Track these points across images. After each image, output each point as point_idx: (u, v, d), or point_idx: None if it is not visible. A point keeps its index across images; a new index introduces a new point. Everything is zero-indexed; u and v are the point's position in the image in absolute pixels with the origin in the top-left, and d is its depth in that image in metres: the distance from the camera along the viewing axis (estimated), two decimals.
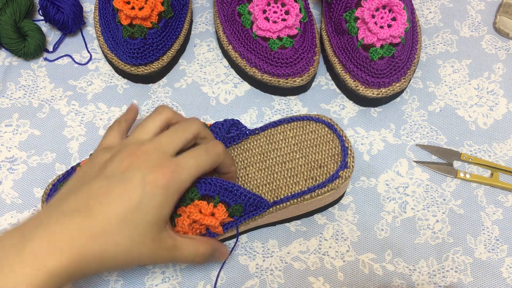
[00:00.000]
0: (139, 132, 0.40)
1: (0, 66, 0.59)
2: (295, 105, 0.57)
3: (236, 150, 0.49)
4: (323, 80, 0.59)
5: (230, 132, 0.48)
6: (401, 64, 0.53)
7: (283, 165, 0.47)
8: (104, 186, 0.36)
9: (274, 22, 0.54)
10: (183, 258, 0.40)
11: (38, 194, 0.52)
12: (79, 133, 0.55)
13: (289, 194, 0.46)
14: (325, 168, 0.47)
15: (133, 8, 0.53)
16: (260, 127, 0.49)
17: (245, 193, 0.43)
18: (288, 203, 0.46)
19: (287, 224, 0.51)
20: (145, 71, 0.56)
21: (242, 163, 0.48)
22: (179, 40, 0.58)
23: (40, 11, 0.59)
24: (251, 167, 0.48)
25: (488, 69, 0.59)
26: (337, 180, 0.46)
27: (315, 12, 0.63)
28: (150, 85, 0.58)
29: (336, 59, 0.56)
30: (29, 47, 0.57)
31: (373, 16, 0.53)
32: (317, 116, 0.49)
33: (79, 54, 0.60)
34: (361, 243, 0.50)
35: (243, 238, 0.50)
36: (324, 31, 0.58)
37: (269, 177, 0.47)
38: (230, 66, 0.59)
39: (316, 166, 0.47)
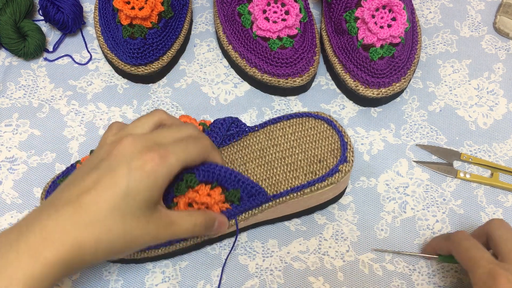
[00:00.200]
0: (131, 127, 0.41)
1: (0, 66, 0.59)
2: (295, 105, 0.57)
3: (236, 147, 0.49)
4: (323, 80, 0.59)
5: (229, 129, 0.48)
6: (401, 64, 0.54)
7: (283, 160, 0.47)
8: (94, 177, 0.36)
9: (274, 22, 0.54)
10: (183, 231, 0.41)
11: (38, 194, 0.52)
12: (79, 133, 0.55)
13: (289, 188, 0.46)
14: (325, 163, 0.47)
15: (133, 8, 0.53)
16: (260, 124, 0.49)
17: (242, 179, 0.44)
18: (287, 197, 0.46)
19: (287, 224, 0.51)
20: (145, 71, 0.56)
21: (242, 159, 0.48)
22: (179, 40, 0.58)
23: (40, 11, 0.59)
24: (250, 163, 0.48)
25: (488, 69, 0.59)
26: (337, 174, 0.46)
27: (315, 12, 0.63)
28: (150, 85, 0.58)
29: (336, 59, 0.56)
30: (29, 47, 0.57)
31: (373, 16, 0.53)
32: (316, 113, 0.49)
33: (79, 54, 0.60)
34: (361, 243, 0.50)
35: (243, 237, 0.50)
36: (324, 31, 0.58)
37: (268, 172, 0.47)
38: (230, 66, 0.59)
39: (315, 161, 0.47)
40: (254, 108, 0.57)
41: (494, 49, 0.61)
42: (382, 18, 0.53)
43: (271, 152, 0.48)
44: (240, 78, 0.59)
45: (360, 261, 0.49)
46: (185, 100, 0.58)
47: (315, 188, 0.46)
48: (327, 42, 0.58)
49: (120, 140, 0.38)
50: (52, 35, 0.62)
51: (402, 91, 0.57)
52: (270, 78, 0.55)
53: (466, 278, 0.49)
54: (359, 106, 0.57)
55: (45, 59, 0.60)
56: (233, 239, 0.50)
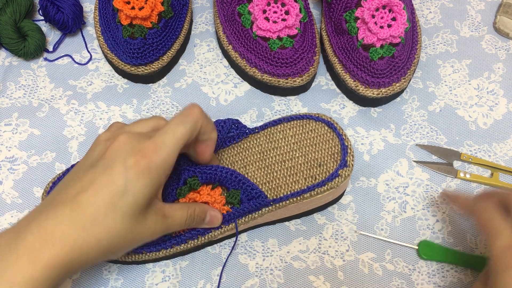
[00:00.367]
0: (128, 126, 0.41)
1: (0, 66, 0.59)
2: (295, 105, 0.57)
3: (236, 149, 0.49)
4: (323, 80, 0.59)
5: (229, 131, 0.48)
6: (401, 64, 0.54)
7: (283, 164, 0.47)
8: (90, 176, 0.36)
9: (274, 22, 0.54)
10: (177, 224, 0.41)
11: (38, 194, 0.52)
12: (79, 133, 0.55)
13: (289, 192, 0.46)
14: (325, 167, 0.47)
15: (133, 8, 0.53)
16: (260, 126, 0.49)
17: (243, 180, 0.44)
18: (287, 201, 0.46)
19: (287, 223, 0.51)
20: (145, 71, 0.56)
21: (242, 162, 0.48)
22: (179, 40, 0.58)
23: (40, 11, 0.59)
24: (250, 166, 0.48)
25: (488, 69, 0.59)
26: (337, 179, 0.46)
27: (315, 12, 0.63)
28: (150, 85, 0.58)
29: (336, 59, 0.56)
30: (29, 47, 0.57)
31: (373, 16, 0.53)
32: (317, 115, 0.49)
33: (79, 54, 0.60)
34: (360, 242, 0.50)
35: (243, 237, 0.50)
36: (324, 31, 0.58)
37: (268, 176, 0.47)
38: (230, 66, 0.59)
39: (315, 165, 0.47)
40: (254, 109, 0.57)
41: (494, 49, 0.61)
42: (382, 18, 0.53)
43: (271, 155, 0.48)
44: (240, 78, 0.59)
45: (360, 261, 0.49)
46: (185, 100, 0.58)
47: (315, 192, 0.46)
48: (327, 42, 0.58)
49: (115, 138, 0.38)
50: (52, 35, 0.62)
51: (402, 91, 0.57)
52: (270, 78, 0.55)
53: (466, 278, 0.49)
54: (359, 106, 0.57)
55: (45, 59, 0.60)
56: (233, 239, 0.50)
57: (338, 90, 0.58)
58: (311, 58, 0.55)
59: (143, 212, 0.37)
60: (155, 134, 0.38)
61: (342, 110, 0.57)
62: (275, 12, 0.54)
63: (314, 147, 0.48)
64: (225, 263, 0.49)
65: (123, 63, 0.56)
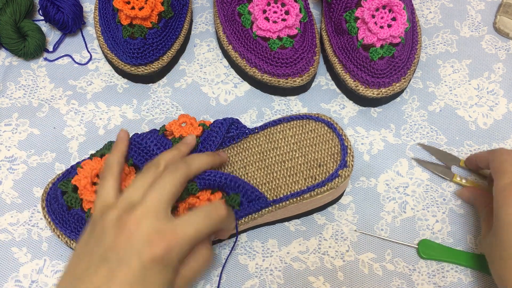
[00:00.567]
0: (130, 192, 0.39)
1: (0, 66, 0.59)
2: (295, 105, 0.57)
3: (236, 149, 0.49)
4: (323, 80, 0.59)
5: (229, 131, 0.48)
6: (401, 64, 0.53)
7: (283, 164, 0.47)
8: (105, 273, 0.35)
9: (274, 22, 0.54)
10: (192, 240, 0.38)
11: (38, 194, 0.52)
12: (79, 133, 0.55)
13: (289, 193, 0.46)
14: (325, 167, 0.47)
15: (133, 8, 0.53)
16: (260, 126, 0.49)
17: (243, 185, 0.44)
18: (287, 202, 0.46)
19: (286, 224, 0.51)
20: (145, 71, 0.56)
21: (242, 162, 0.48)
22: (179, 40, 0.58)
23: (40, 11, 0.59)
24: (250, 166, 0.48)
25: (488, 69, 0.59)
26: (337, 179, 0.46)
27: (315, 12, 0.63)
28: (150, 85, 0.58)
29: (336, 59, 0.56)
30: (29, 47, 0.57)
31: (373, 16, 0.53)
32: (317, 115, 0.49)
33: (79, 54, 0.60)
34: (360, 243, 0.50)
35: (242, 237, 0.50)
36: (324, 31, 0.58)
37: (268, 176, 0.47)
38: (230, 66, 0.59)
39: (315, 165, 0.47)
40: (254, 109, 0.57)
41: (494, 49, 0.61)
42: (382, 18, 0.53)
43: (271, 155, 0.48)
44: (240, 78, 0.59)
45: (360, 261, 0.49)
46: (185, 100, 0.58)
47: (315, 193, 0.46)
48: (327, 42, 0.58)
49: (124, 223, 0.36)
50: (52, 35, 0.62)
51: (402, 91, 0.57)
52: (270, 78, 0.55)
53: (466, 278, 0.49)
54: (359, 106, 0.57)
55: (45, 59, 0.60)
56: (232, 239, 0.50)
57: (338, 90, 0.58)
58: (311, 58, 0.55)
59: None
60: (176, 220, 0.37)
61: (342, 110, 0.57)
62: (275, 12, 0.54)
63: (314, 147, 0.48)
64: (224, 264, 0.49)
65: (123, 63, 0.56)
